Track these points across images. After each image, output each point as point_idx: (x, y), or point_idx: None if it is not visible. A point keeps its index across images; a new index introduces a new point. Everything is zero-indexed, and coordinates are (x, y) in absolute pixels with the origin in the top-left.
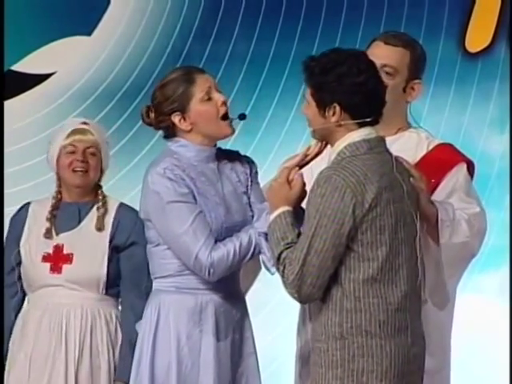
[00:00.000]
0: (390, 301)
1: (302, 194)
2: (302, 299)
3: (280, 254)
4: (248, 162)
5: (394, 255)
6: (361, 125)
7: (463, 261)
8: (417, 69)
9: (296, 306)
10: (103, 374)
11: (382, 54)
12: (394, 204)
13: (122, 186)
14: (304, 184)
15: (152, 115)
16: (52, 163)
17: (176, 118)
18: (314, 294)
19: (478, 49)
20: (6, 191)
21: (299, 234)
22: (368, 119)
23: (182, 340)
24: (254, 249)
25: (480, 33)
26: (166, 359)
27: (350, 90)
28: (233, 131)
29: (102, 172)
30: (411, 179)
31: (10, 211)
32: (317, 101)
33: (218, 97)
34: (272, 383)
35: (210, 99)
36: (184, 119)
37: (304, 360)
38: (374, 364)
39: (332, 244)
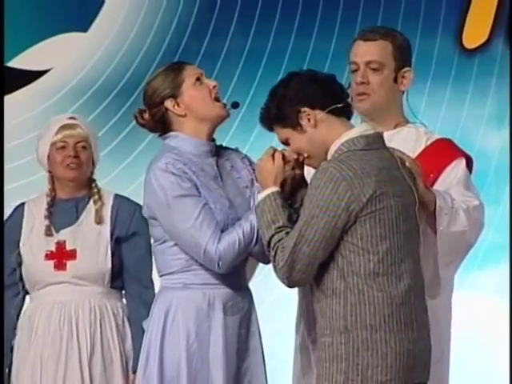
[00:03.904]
0: (394, 294)
1: (286, 167)
2: (291, 284)
3: (271, 238)
4: (247, 158)
5: (396, 249)
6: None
7: (461, 251)
8: (402, 57)
9: (295, 302)
10: (116, 368)
11: (364, 52)
12: (395, 198)
13: (119, 182)
14: (286, 158)
15: (146, 115)
16: (43, 161)
17: (169, 104)
18: (304, 279)
19: (476, 45)
20: (5, 187)
21: (289, 217)
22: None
23: (191, 336)
24: (257, 234)
25: (477, 29)
26: (176, 356)
27: None
28: (227, 114)
29: (93, 165)
30: (407, 163)
31: (10, 207)
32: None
33: (208, 81)
34: (271, 378)
35: (201, 83)
36: (178, 105)
37: (304, 355)
38: (378, 358)
39: (323, 235)
